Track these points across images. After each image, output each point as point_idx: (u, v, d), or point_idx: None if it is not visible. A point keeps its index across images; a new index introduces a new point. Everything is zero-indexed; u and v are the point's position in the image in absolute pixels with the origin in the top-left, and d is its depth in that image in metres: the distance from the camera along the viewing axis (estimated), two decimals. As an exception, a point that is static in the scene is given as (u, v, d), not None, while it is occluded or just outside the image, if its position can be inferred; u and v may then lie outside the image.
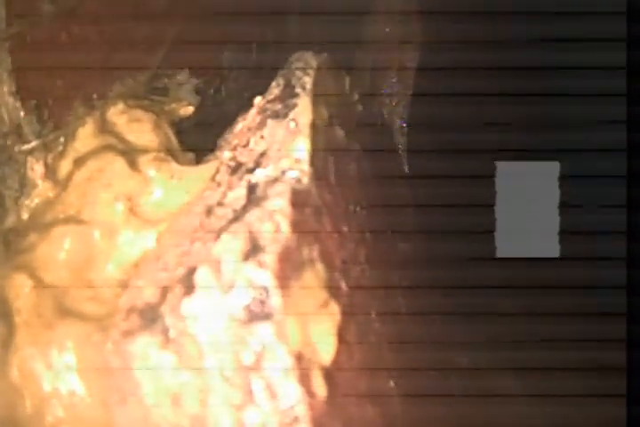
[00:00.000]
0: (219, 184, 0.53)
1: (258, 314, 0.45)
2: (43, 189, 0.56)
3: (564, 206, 0.64)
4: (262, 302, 0.45)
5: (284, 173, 0.50)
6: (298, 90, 0.56)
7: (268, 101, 0.56)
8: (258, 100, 0.57)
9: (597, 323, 0.62)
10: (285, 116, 0.54)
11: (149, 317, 0.47)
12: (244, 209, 0.49)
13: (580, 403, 0.61)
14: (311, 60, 0.60)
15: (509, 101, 0.71)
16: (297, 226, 0.47)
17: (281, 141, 0.52)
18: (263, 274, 0.45)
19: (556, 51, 0.75)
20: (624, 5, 0.64)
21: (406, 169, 0.85)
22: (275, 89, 0.57)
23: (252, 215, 0.48)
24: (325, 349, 0.46)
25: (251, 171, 0.52)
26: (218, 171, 0.54)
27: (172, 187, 0.54)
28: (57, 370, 0.50)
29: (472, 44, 0.74)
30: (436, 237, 0.70)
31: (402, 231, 0.68)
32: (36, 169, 0.56)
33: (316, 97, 0.56)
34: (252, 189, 0.50)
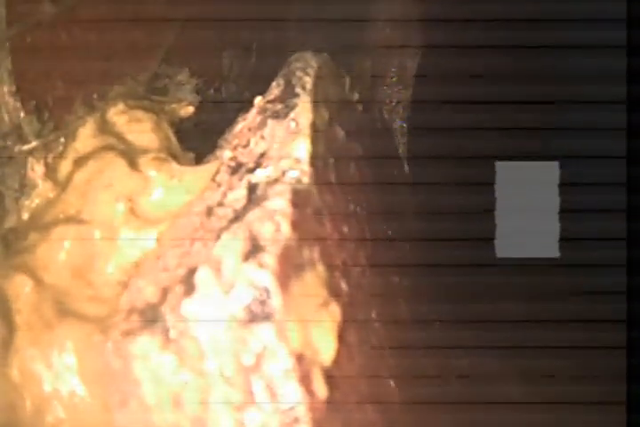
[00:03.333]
0: (219, 184, 0.53)
1: (258, 314, 0.45)
2: (43, 190, 0.56)
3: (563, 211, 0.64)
4: (263, 303, 0.45)
5: (284, 173, 0.50)
6: (298, 90, 0.56)
7: (269, 101, 0.56)
8: (258, 100, 0.57)
9: (598, 330, 0.62)
10: (286, 116, 0.54)
11: (150, 317, 0.47)
12: (245, 209, 0.49)
13: (580, 410, 0.61)
14: (311, 60, 0.60)
15: (510, 106, 0.71)
16: (297, 226, 0.47)
17: (281, 142, 0.52)
18: (263, 274, 0.45)
19: (557, 57, 0.75)
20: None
21: (406, 169, 0.85)
22: (275, 89, 0.57)
23: (253, 215, 0.48)
24: (326, 349, 0.46)
25: (251, 171, 0.52)
26: (218, 171, 0.54)
27: (173, 187, 0.54)
28: (57, 371, 0.50)
29: (471, 48, 0.74)
30: (436, 233, 0.70)
31: (402, 231, 0.68)
32: (36, 169, 0.56)
33: (317, 97, 0.56)
34: (252, 189, 0.50)
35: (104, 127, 0.57)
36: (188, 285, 0.47)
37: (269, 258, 0.46)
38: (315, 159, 0.51)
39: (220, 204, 0.51)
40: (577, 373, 0.62)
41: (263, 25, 0.74)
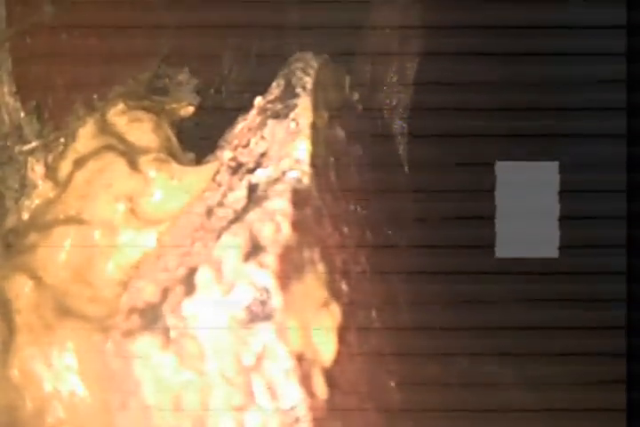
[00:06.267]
0: (219, 184, 0.53)
1: (258, 314, 0.45)
2: (43, 190, 0.56)
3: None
4: (263, 303, 0.45)
5: (284, 173, 0.50)
6: (298, 90, 0.56)
7: (269, 102, 0.56)
8: (258, 100, 0.57)
9: (598, 336, 0.62)
10: (286, 116, 0.54)
11: (150, 317, 0.47)
12: (245, 209, 0.49)
13: (580, 417, 0.61)
14: (311, 60, 0.60)
15: (510, 112, 0.71)
16: (297, 226, 0.47)
17: (281, 142, 0.52)
18: (264, 274, 0.45)
19: (557, 63, 0.75)
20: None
21: (406, 168, 0.85)
22: (275, 89, 0.57)
23: (253, 216, 0.48)
24: (326, 349, 0.46)
25: (251, 171, 0.52)
26: (218, 171, 0.54)
27: (173, 187, 0.54)
28: (57, 371, 0.50)
29: (472, 55, 0.74)
30: (436, 235, 0.70)
31: (402, 231, 0.68)
32: (36, 169, 0.56)
33: (317, 97, 0.56)
34: (252, 189, 0.50)
35: (104, 127, 0.57)
36: (189, 285, 0.47)
37: (270, 258, 0.46)
38: (315, 159, 0.51)
39: (221, 204, 0.51)
40: (577, 380, 0.62)
41: (263, 31, 0.74)
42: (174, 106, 0.62)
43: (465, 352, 0.66)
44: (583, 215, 0.65)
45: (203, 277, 0.47)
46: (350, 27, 0.81)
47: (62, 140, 0.57)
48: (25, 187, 0.56)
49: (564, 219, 0.64)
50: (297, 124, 0.53)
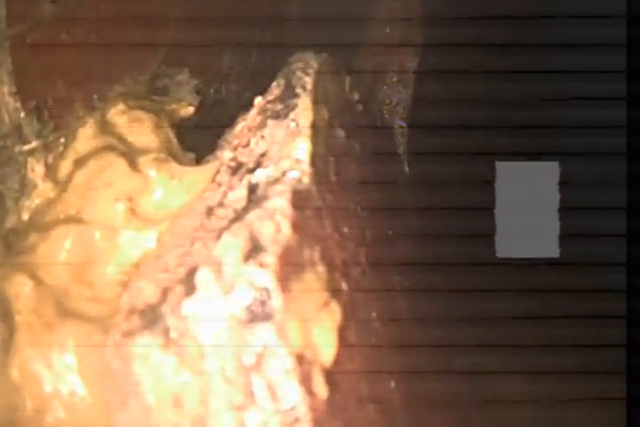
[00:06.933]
0: (219, 184, 0.53)
1: (258, 315, 0.45)
2: (43, 190, 0.56)
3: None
4: (263, 303, 0.45)
5: (284, 173, 0.50)
6: (298, 90, 0.56)
7: (269, 102, 0.56)
8: (258, 100, 0.57)
9: (598, 327, 0.62)
10: (286, 116, 0.54)
11: (150, 317, 0.47)
12: (245, 209, 0.49)
13: (581, 407, 0.61)
14: (311, 60, 0.60)
15: (509, 104, 0.71)
16: (298, 226, 0.47)
17: (281, 142, 0.52)
18: (264, 274, 0.45)
19: (557, 54, 0.75)
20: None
21: (406, 168, 0.85)
22: (275, 89, 0.57)
23: (253, 216, 0.48)
24: (326, 349, 0.46)
25: (251, 171, 0.52)
26: (218, 171, 0.54)
27: (173, 187, 0.54)
28: (57, 371, 0.50)
29: (473, 46, 0.74)
30: (436, 236, 0.70)
31: (402, 231, 0.68)
32: (36, 169, 0.56)
33: (317, 97, 0.56)
34: (252, 189, 0.50)
35: (104, 127, 0.57)
36: (189, 285, 0.47)
37: (270, 258, 0.46)
38: (315, 159, 0.51)
39: (221, 204, 0.51)
40: (577, 370, 0.62)
41: (263, 24, 0.74)
42: (174, 106, 0.62)
43: (466, 344, 0.66)
44: (583, 206, 0.65)
45: (203, 277, 0.47)
46: (351, 23, 0.81)
47: (62, 140, 0.57)
48: (25, 187, 0.56)
49: (563, 210, 0.64)
50: (297, 124, 0.53)
